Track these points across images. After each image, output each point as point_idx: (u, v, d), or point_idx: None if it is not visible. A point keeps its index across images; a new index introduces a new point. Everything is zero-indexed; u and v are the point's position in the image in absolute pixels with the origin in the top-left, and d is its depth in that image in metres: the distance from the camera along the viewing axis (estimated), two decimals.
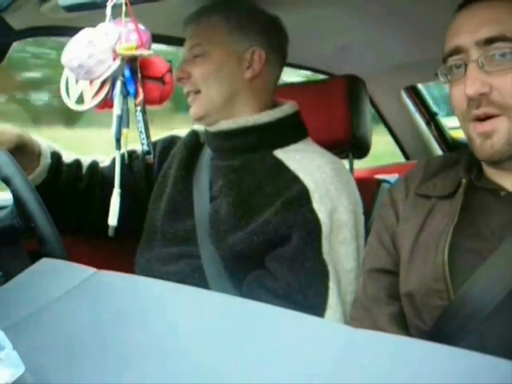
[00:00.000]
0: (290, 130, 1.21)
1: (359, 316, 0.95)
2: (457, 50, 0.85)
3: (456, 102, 0.87)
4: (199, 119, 1.20)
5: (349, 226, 1.11)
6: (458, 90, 0.86)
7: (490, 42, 0.81)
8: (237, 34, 1.17)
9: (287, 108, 1.21)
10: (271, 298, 1.04)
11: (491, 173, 0.90)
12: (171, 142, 1.34)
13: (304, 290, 1.06)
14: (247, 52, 1.17)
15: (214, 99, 1.17)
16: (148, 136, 0.96)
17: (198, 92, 1.17)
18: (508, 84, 0.81)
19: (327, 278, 1.07)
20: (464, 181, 0.89)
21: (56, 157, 1.24)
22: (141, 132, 0.96)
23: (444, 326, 0.82)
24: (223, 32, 1.16)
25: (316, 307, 1.05)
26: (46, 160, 1.21)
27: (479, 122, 0.84)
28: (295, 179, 1.11)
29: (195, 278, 1.12)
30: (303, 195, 1.09)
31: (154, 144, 1.29)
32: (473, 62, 0.82)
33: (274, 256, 1.09)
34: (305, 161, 1.14)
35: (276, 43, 1.22)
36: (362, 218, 1.16)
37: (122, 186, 1.01)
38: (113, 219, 0.97)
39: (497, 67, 0.81)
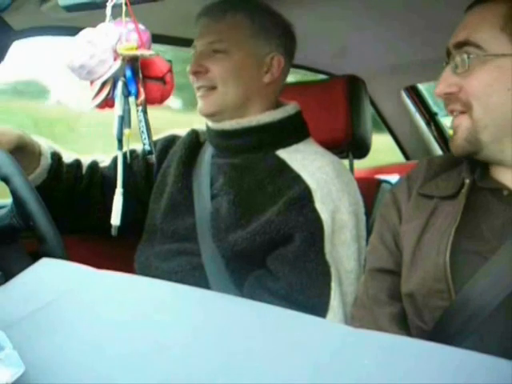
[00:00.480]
0: (292, 131, 1.21)
1: (360, 316, 0.95)
2: (448, 52, 0.91)
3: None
4: (208, 115, 1.19)
5: (350, 226, 1.11)
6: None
7: (459, 45, 0.87)
8: (260, 37, 1.18)
9: (290, 108, 1.22)
10: (273, 299, 1.04)
11: (495, 171, 0.90)
12: (171, 141, 1.34)
13: (306, 290, 1.06)
14: (267, 56, 1.18)
15: (229, 98, 1.16)
16: (149, 136, 0.96)
17: (212, 88, 1.16)
18: (471, 84, 0.86)
19: (329, 279, 1.07)
20: (467, 181, 0.90)
21: (56, 157, 1.24)
22: (142, 132, 0.95)
23: (445, 327, 0.82)
24: (247, 33, 1.16)
25: (318, 308, 1.05)
26: (46, 160, 1.21)
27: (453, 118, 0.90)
28: (297, 178, 1.11)
29: (195, 275, 1.12)
30: (306, 195, 1.09)
31: (154, 143, 1.29)
32: (450, 64, 0.89)
33: (275, 256, 1.09)
34: (306, 161, 1.14)
35: (290, 49, 1.23)
36: (363, 218, 1.16)
37: (122, 186, 1.01)
38: (116, 219, 0.97)
39: (464, 69, 0.87)
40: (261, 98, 1.19)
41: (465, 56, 0.86)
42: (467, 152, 0.89)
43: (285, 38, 1.21)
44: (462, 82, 0.87)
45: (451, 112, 0.90)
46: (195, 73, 1.16)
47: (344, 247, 1.10)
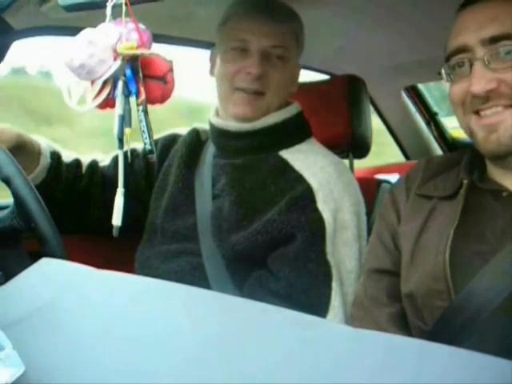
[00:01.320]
0: (295, 131, 1.21)
1: (359, 316, 0.95)
2: (462, 49, 0.86)
3: (456, 96, 0.88)
4: (248, 119, 1.17)
5: (351, 227, 1.11)
6: (459, 87, 0.87)
7: (495, 40, 0.83)
8: (301, 49, 1.21)
9: (292, 109, 1.22)
10: (273, 299, 1.04)
11: (494, 172, 0.90)
12: (172, 140, 1.33)
13: (306, 290, 1.06)
14: (297, 68, 1.22)
15: (273, 106, 1.16)
16: (150, 135, 0.96)
17: (260, 93, 1.14)
18: None
19: (330, 279, 1.07)
20: (465, 182, 0.89)
21: (56, 156, 1.24)
22: (143, 131, 0.95)
23: (445, 327, 0.82)
24: (296, 45, 1.18)
25: (318, 308, 1.05)
26: (45, 159, 1.21)
27: (483, 115, 0.84)
28: (300, 178, 1.12)
29: (196, 276, 1.12)
30: (308, 194, 1.09)
31: (155, 142, 1.29)
32: (479, 60, 0.83)
33: (276, 256, 1.09)
34: (308, 161, 1.15)
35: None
36: (364, 218, 1.16)
37: (123, 185, 1.01)
38: (117, 219, 0.97)
39: (503, 64, 0.82)
40: (282, 105, 1.21)
41: (501, 50, 0.82)
42: (509, 150, 0.83)
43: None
44: (501, 76, 0.82)
45: (485, 111, 0.84)
46: (259, 76, 1.12)
47: (345, 247, 1.10)
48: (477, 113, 0.85)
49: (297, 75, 1.23)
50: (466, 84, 0.85)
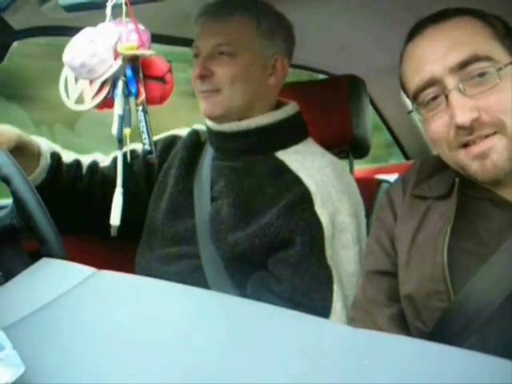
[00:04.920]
0: (292, 131, 1.21)
1: (359, 317, 0.95)
2: (429, 82, 0.81)
3: (438, 133, 0.83)
4: (213, 118, 1.18)
5: (351, 229, 1.11)
6: (439, 123, 0.82)
7: (464, 65, 0.79)
8: (266, 39, 1.17)
9: (289, 109, 1.21)
10: (276, 301, 1.04)
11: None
12: (172, 141, 1.33)
13: (309, 293, 1.06)
14: (272, 59, 1.18)
15: (234, 101, 1.15)
16: (150, 136, 0.96)
17: (217, 91, 1.15)
18: (494, 102, 0.78)
19: (331, 282, 1.07)
20: (457, 180, 0.89)
21: (56, 157, 1.24)
22: (142, 132, 0.95)
23: (444, 328, 0.82)
24: (254, 35, 1.16)
25: (321, 311, 1.05)
26: (45, 160, 1.21)
27: (471, 146, 0.80)
28: (297, 180, 1.11)
29: (195, 278, 1.12)
30: (305, 198, 1.09)
31: (155, 143, 1.29)
32: (454, 90, 0.79)
33: (277, 259, 1.09)
34: (306, 162, 1.14)
35: (291, 50, 1.23)
36: (363, 220, 1.16)
37: (122, 186, 1.01)
38: (115, 219, 0.97)
39: (479, 89, 0.79)
40: (264, 100, 1.19)
41: (474, 74, 0.78)
42: (507, 172, 0.80)
43: (289, 40, 1.21)
44: (479, 102, 0.78)
45: (473, 142, 0.80)
46: (201, 77, 1.14)
47: (345, 250, 1.10)
48: (465, 146, 0.81)
49: (275, 68, 1.18)
50: (447, 117, 0.81)
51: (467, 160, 0.82)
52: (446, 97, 0.80)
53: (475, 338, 0.79)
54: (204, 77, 1.14)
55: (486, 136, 0.80)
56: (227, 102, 1.15)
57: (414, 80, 0.83)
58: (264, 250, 1.09)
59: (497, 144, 0.79)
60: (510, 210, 0.84)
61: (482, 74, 0.79)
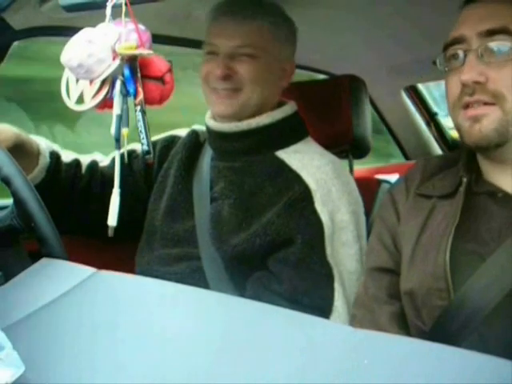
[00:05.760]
0: (291, 131, 1.21)
1: (360, 315, 0.95)
2: (458, 40, 0.87)
3: (450, 89, 0.89)
4: (229, 117, 1.18)
5: (351, 227, 1.11)
6: (453, 79, 0.88)
7: (491, 33, 0.83)
8: (282, 43, 1.19)
9: (288, 108, 1.22)
10: (277, 300, 1.04)
11: (489, 174, 0.90)
12: (171, 141, 1.33)
13: (309, 292, 1.06)
14: (284, 62, 1.20)
15: (252, 100, 1.16)
16: (148, 136, 0.95)
17: (237, 90, 1.15)
18: (504, 75, 0.83)
19: (332, 280, 1.07)
20: (465, 180, 0.90)
21: (55, 156, 1.24)
22: (140, 132, 0.95)
23: (443, 326, 0.82)
24: (272, 39, 1.17)
25: (322, 309, 1.05)
26: (44, 159, 1.21)
27: (470, 108, 0.85)
28: (297, 178, 1.11)
29: (195, 279, 1.12)
30: (306, 196, 1.09)
31: (154, 144, 1.29)
32: (473, 52, 0.85)
33: (277, 258, 1.09)
34: (305, 161, 1.14)
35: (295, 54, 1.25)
36: (363, 218, 1.16)
37: (121, 186, 1.01)
38: (112, 219, 0.97)
39: (495, 59, 0.83)
40: (272, 101, 1.20)
41: (495, 45, 0.83)
42: (494, 143, 0.85)
43: (294, 43, 1.24)
44: (491, 71, 0.83)
45: (471, 103, 0.85)
46: (225, 76, 1.14)
47: (345, 248, 1.10)
48: (465, 107, 0.86)
49: (285, 71, 1.21)
50: (459, 75, 0.86)
51: (462, 120, 0.87)
52: (465, 56, 0.86)
53: (474, 337, 0.79)
54: (227, 76, 1.14)
55: (485, 104, 0.84)
56: (246, 101, 1.16)
57: (450, 36, 0.89)
58: (264, 250, 1.09)
59: (491, 114, 0.84)
60: (509, 207, 0.85)
61: (502, 47, 0.83)
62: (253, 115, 1.18)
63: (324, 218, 1.08)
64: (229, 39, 1.15)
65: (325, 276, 1.07)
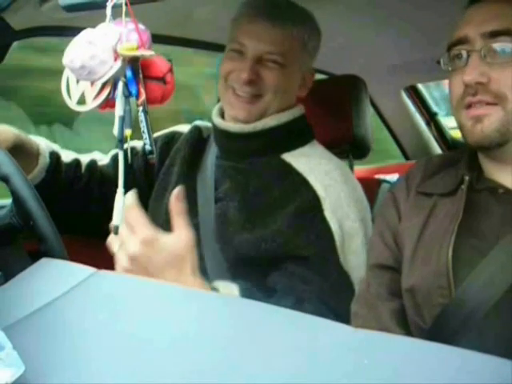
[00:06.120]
0: (298, 134, 1.20)
1: (363, 312, 0.96)
2: (462, 40, 0.88)
3: (453, 89, 0.89)
4: (245, 121, 1.16)
5: (360, 234, 1.10)
6: (457, 78, 0.88)
7: (494, 35, 0.84)
8: (309, 55, 1.19)
9: (295, 111, 1.21)
10: (305, 304, 1.01)
11: (490, 170, 0.90)
12: (172, 137, 1.32)
13: (334, 300, 1.04)
14: (308, 72, 1.20)
15: (271, 108, 1.15)
16: (150, 136, 0.96)
17: (258, 96, 1.14)
18: (506, 76, 0.83)
19: (352, 285, 1.06)
20: (467, 178, 0.90)
21: (55, 156, 1.24)
22: (143, 132, 0.95)
23: (444, 324, 0.82)
24: (302, 50, 1.16)
25: (344, 316, 1.03)
26: (44, 159, 1.21)
27: (472, 108, 0.86)
28: (304, 183, 1.10)
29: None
30: (315, 204, 1.08)
31: (155, 140, 1.28)
32: (476, 52, 0.85)
33: (291, 271, 1.06)
34: (312, 164, 1.14)
35: None
36: (370, 224, 1.15)
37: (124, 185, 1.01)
38: (117, 219, 0.97)
39: (498, 59, 0.84)
40: (284, 107, 1.19)
41: (499, 46, 0.84)
42: (495, 143, 0.85)
43: (317, 53, 1.23)
44: (493, 72, 0.84)
45: (474, 103, 0.86)
46: (250, 81, 1.12)
47: (355, 256, 1.09)
48: (468, 107, 0.87)
49: (304, 80, 1.21)
50: (462, 75, 0.86)
51: (465, 119, 0.87)
52: (468, 57, 0.86)
53: (474, 335, 0.79)
54: (252, 82, 1.12)
55: (487, 104, 0.85)
56: (265, 108, 1.15)
57: (453, 35, 0.90)
58: (270, 256, 1.08)
59: (493, 114, 0.85)
60: (510, 203, 0.86)
61: (505, 49, 0.84)
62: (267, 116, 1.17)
63: (333, 226, 1.07)
64: (259, 42, 1.13)
65: (344, 283, 1.06)
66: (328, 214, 1.08)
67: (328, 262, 1.06)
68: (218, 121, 1.21)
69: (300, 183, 1.11)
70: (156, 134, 1.32)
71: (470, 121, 0.86)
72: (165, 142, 1.32)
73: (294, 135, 1.19)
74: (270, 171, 1.14)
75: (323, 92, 1.60)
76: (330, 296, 1.05)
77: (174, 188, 1.23)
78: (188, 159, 1.24)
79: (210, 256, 1.13)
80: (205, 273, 1.12)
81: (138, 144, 1.29)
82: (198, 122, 1.32)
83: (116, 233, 0.98)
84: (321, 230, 1.07)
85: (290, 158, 1.16)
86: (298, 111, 1.21)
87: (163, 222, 1.22)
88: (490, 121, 0.84)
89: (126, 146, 0.98)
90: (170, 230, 1.20)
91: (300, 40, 1.16)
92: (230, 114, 1.18)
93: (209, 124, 1.28)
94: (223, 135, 1.20)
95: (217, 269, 1.11)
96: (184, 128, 1.33)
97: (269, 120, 1.17)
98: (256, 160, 1.16)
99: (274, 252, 1.07)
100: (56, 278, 0.81)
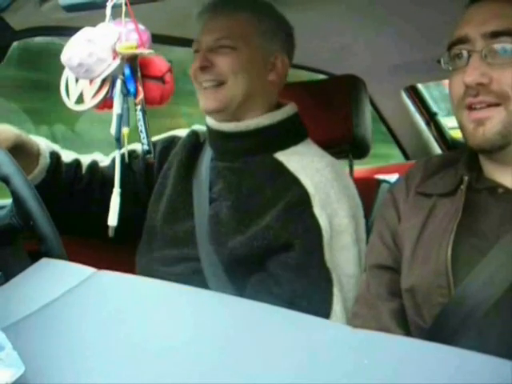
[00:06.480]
0: (291, 132, 1.21)
1: (363, 313, 0.96)
2: (463, 40, 0.87)
3: (454, 89, 0.89)
4: (214, 112, 1.18)
5: (350, 231, 1.10)
6: (457, 78, 0.88)
7: (495, 35, 0.84)
8: (266, 36, 1.18)
9: (288, 110, 1.21)
10: (276, 303, 1.03)
11: (489, 170, 0.90)
12: (171, 141, 1.33)
13: (309, 296, 1.06)
14: (272, 55, 1.19)
15: (237, 93, 1.15)
16: (148, 135, 0.96)
17: (221, 84, 1.15)
18: (508, 76, 0.83)
19: (331, 285, 1.07)
20: (466, 178, 0.90)
21: (55, 156, 1.24)
22: (141, 131, 0.95)
23: (443, 324, 0.82)
24: (254, 33, 1.17)
25: (321, 313, 1.04)
26: (44, 160, 1.21)
27: (474, 110, 0.85)
28: (295, 181, 1.11)
29: (195, 280, 1.12)
30: (304, 199, 1.09)
31: (154, 144, 1.29)
32: (476, 53, 0.85)
33: (277, 261, 1.08)
34: (304, 163, 1.14)
35: (291, 52, 1.24)
36: (362, 221, 1.15)
37: (121, 186, 1.01)
38: (113, 219, 0.97)
39: (498, 59, 0.83)
40: (263, 98, 1.19)
41: (499, 46, 0.83)
42: (497, 146, 0.85)
43: (288, 40, 1.22)
44: (494, 72, 0.83)
45: (475, 104, 0.85)
46: (202, 68, 1.14)
47: (344, 252, 1.10)
48: (469, 108, 0.86)
49: (274, 65, 1.19)
50: (462, 75, 0.86)
51: (466, 121, 0.87)
52: (469, 57, 0.86)
53: (473, 334, 0.79)
54: (205, 68, 1.14)
55: (489, 105, 0.84)
56: (230, 94, 1.15)
57: (454, 35, 0.89)
58: (262, 252, 1.09)
59: (495, 116, 0.84)
60: (509, 202, 0.86)
61: (506, 49, 0.83)
62: (244, 112, 1.17)
63: (322, 222, 1.08)
64: (209, 34, 1.16)
65: (323, 281, 1.07)
66: (317, 210, 1.08)
67: (311, 257, 1.07)
68: (211, 122, 1.22)
69: (291, 182, 1.11)
70: (155, 138, 1.33)
71: (472, 123, 0.86)
72: (164, 145, 1.32)
73: (288, 134, 1.20)
74: (262, 171, 1.15)
75: (323, 92, 1.60)
76: (303, 298, 1.05)
77: (171, 191, 1.24)
78: (185, 162, 1.25)
79: (206, 258, 1.13)
80: (201, 274, 1.12)
81: (138, 147, 1.29)
82: (196, 127, 1.33)
83: (112, 233, 0.98)
84: (309, 225, 1.08)
85: (283, 156, 1.16)
86: (291, 110, 1.22)
87: (160, 225, 1.22)
88: (492, 124, 0.84)
89: (124, 147, 0.99)
90: (167, 231, 1.21)
91: (248, 23, 1.17)
92: (203, 109, 1.19)
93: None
94: (217, 136, 1.21)
95: (213, 270, 1.12)
96: (183, 132, 1.34)
97: (262, 119, 1.17)
98: (249, 159, 1.17)
99: (264, 249, 1.08)
100: (56, 278, 0.81)
